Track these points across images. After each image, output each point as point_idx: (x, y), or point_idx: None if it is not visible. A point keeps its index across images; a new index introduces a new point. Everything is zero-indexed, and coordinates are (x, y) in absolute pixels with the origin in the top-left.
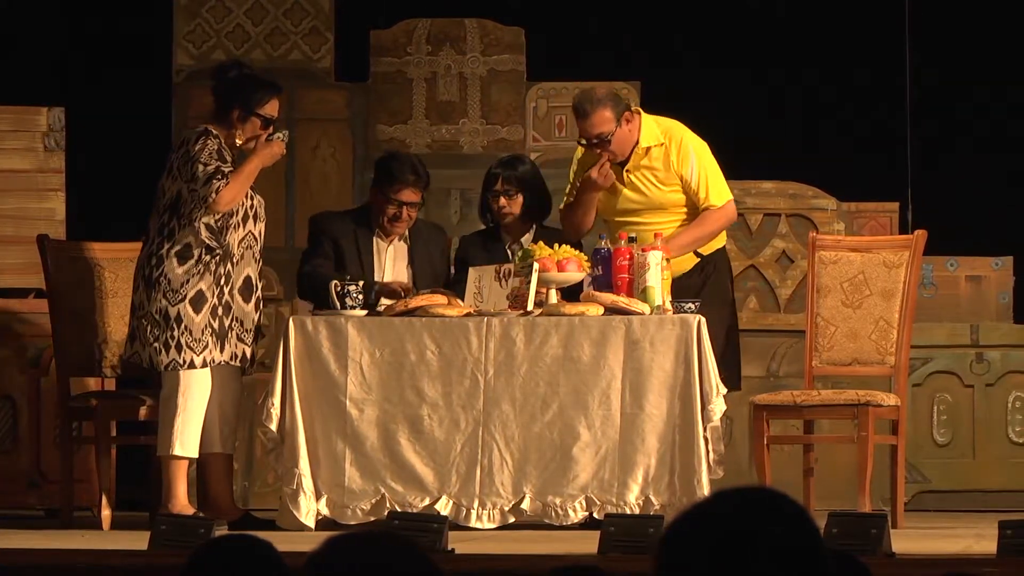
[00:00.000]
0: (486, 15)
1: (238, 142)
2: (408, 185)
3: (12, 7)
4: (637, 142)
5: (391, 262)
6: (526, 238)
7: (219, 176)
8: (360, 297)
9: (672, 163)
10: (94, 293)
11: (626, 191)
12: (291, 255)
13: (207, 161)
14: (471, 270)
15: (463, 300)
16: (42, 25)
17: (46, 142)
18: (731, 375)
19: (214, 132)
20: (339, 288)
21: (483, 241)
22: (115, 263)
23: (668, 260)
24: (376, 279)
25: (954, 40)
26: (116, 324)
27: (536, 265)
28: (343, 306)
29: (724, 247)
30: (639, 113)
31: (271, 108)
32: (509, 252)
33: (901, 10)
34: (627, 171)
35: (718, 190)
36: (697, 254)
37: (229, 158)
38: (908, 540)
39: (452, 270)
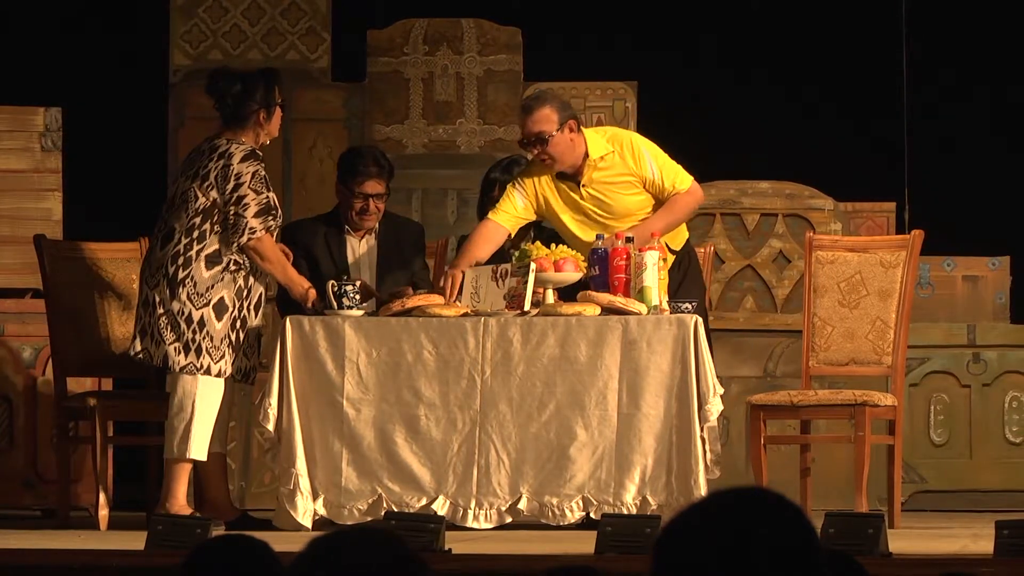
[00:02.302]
0: (483, 15)
1: (266, 140)
2: (371, 177)
3: (9, 7)
4: (587, 155)
5: (365, 259)
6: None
7: (273, 217)
8: (357, 297)
9: (630, 167)
10: (91, 293)
11: (587, 205)
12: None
13: (259, 189)
14: (468, 270)
15: (460, 300)
16: (39, 25)
17: (43, 142)
18: None
19: (258, 152)
20: (336, 288)
21: None
22: (112, 263)
23: (665, 260)
24: (352, 277)
25: (951, 39)
26: (113, 324)
27: (533, 265)
28: (340, 306)
29: (689, 238)
30: (582, 131)
31: (281, 93)
32: (507, 253)
33: (898, 10)
34: (583, 186)
35: (680, 176)
36: (671, 251)
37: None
38: (905, 540)
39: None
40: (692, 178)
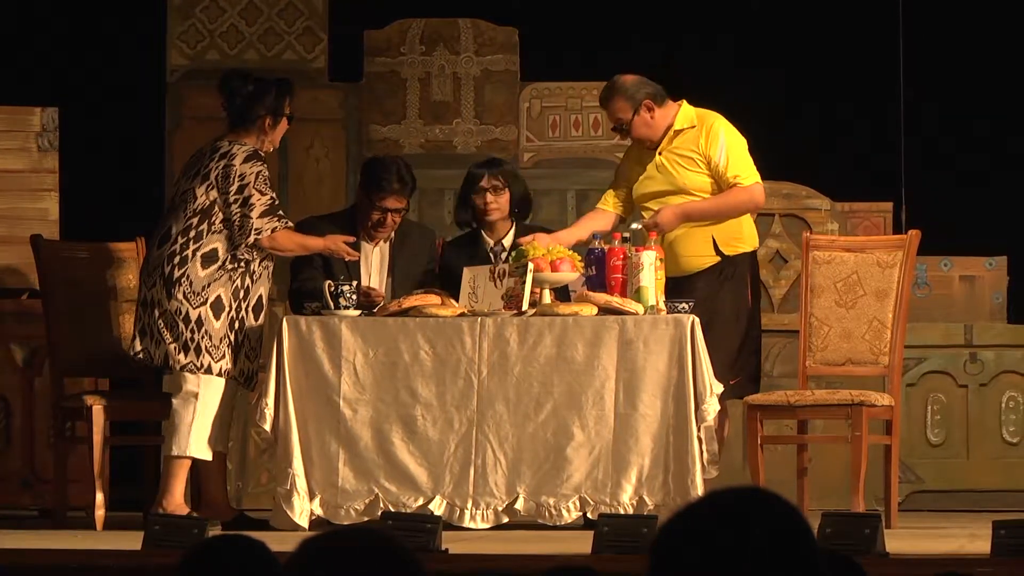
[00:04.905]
0: (480, 15)
1: (270, 148)
2: (393, 193)
3: (5, 7)
4: (671, 125)
5: (376, 265)
6: (507, 238)
7: (280, 217)
8: (354, 297)
9: (700, 145)
10: (87, 293)
11: (655, 172)
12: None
13: (263, 189)
14: (466, 270)
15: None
16: (36, 25)
17: (40, 142)
18: (746, 384)
19: (260, 152)
20: (333, 288)
21: (463, 246)
22: (109, 263)
23: (662, 260)
24: (363, 283)
25: (948, 39)
26: (110, 324)
27: (531, 265)
28: (337, 306)
29: (753, 252)
30: (679, 103)
31: (291, 105)
32: (491, 254)
33: (895, 9)
34: (659, 152)
35: (746, 173)
36: (719, 253)
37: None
38: (902, 540)
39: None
40: (759, 180)
